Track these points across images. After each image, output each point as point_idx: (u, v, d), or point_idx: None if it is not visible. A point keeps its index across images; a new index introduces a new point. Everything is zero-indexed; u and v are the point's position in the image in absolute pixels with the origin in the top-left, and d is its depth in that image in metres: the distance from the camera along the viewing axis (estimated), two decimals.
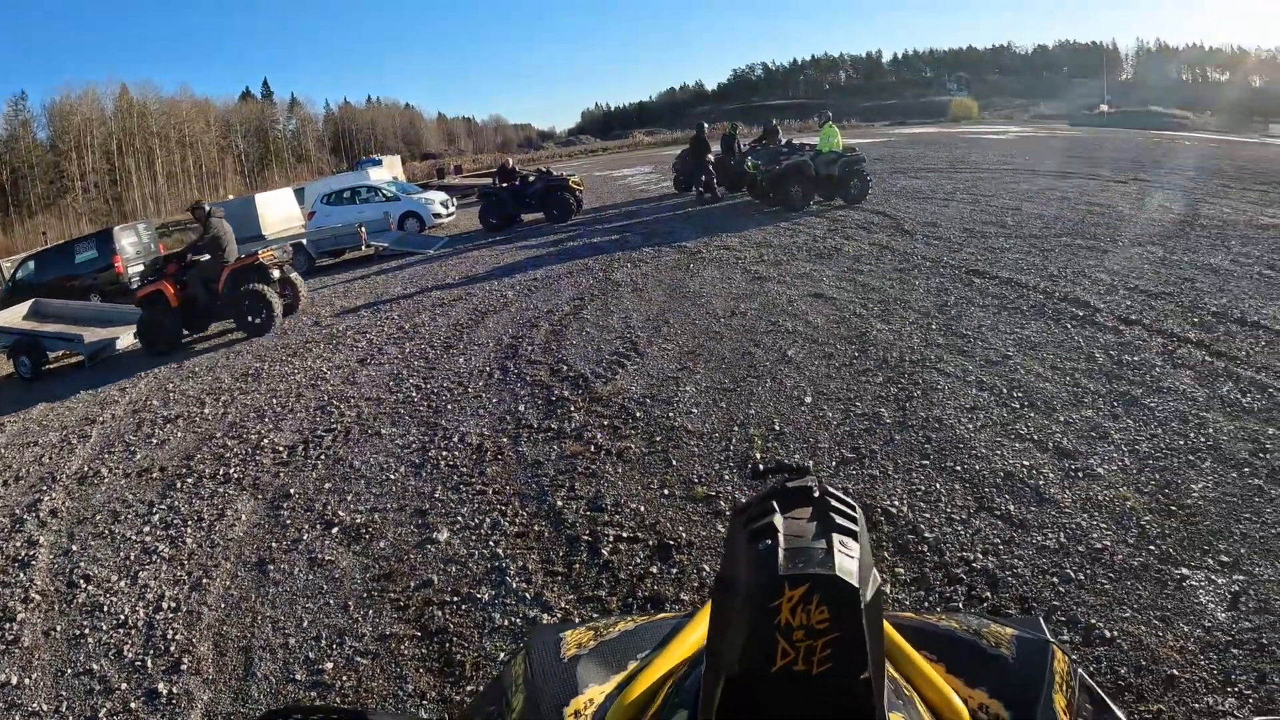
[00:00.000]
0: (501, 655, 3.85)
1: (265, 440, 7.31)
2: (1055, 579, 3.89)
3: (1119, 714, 1.40)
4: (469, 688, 3.69)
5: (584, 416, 6.79)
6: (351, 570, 4.89)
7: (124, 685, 4.14)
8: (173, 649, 4.38)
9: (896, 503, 4.77)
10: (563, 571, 4.55)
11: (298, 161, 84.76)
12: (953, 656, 1.52)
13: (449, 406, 7.50)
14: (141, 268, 18.09)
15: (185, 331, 12.31)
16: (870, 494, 4.91)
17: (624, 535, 4.83)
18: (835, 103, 68.79)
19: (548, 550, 4.80)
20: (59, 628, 4.78)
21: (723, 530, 4.62)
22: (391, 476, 6.17)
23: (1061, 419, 5.66)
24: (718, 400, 6.73)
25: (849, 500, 1.12)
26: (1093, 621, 3.54)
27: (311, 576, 4.90)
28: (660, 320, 9.44)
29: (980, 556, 4.15)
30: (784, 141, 20.64)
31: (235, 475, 6.65)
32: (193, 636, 4.47)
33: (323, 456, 6.76)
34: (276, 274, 12.50)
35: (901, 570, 4.13)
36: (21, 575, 5.52)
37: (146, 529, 5.94)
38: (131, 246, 19.26)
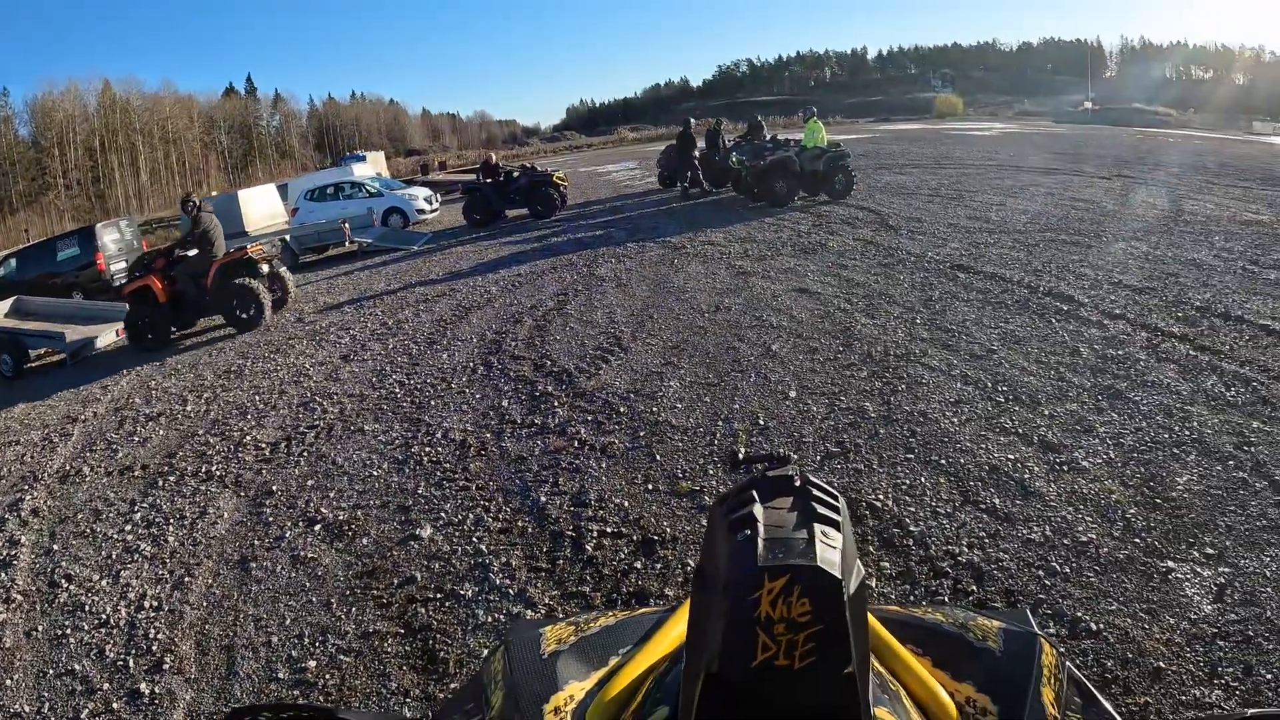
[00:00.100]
0: (484, 651, 3.83)
1: (248, 437, 7.26)
2: (1041, 572, 3.89)
3: (1107, 707, 1.38)
4: (452, 685, 3.66)
5: (568, 412, 6.76)
6: (334, 568, 4.86)
7: (106, 685, 4.09)
8: (155, 648, 4.33)
9: (881, 497, 4.77)
10: (546, 567, 4.53)
11: (281, 158, 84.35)
12: (939, 650, 1.51)
13: (432, 402, 7.46)
14: (124, 265, 18.00)
15: (173, 328, 12.20)
16: (855, 488, 4.90)
17: (608, 530, 4.81)
18: (820, 99, 69.13)
19: (531, 546, 4.78)
20: (41, 628, 4.73)
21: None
22: (374, 473, 6.13)
23: (1046, 413, 5.66)
24: (702, 395, 6.72)
25: (831, 490, 1.09)
26: (1079, 614, 3.54)
27: (294, 574, 4.86)
28: (644, 315, 9.42)
29: (966, 550, 4.14)
30: (769, 137, 20.65)
31: (217, 473, 6.60)
32: (175, 636, 4.42)
33: (305, 453, 6.71)
34: (265, 269, 12.41)
35: (887, 564, 4.12)
36: (3, 575, 5.46)
37: (128, 527, 5.88)
38: (114, 243, 19.13)
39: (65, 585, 5.17)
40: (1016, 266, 9.87)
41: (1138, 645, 3.31)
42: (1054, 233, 11.83)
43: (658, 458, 5.69)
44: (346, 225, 18.63)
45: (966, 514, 4.49)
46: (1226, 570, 3.73)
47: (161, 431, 7.87)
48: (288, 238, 18.60)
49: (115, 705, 3.93)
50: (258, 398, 8.43)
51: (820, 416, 6.04)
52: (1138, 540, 4.05)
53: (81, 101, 71.02)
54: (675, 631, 1.49)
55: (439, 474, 5.95)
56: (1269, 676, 3.06)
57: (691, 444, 5.84)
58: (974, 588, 3.84)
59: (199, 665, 4.14)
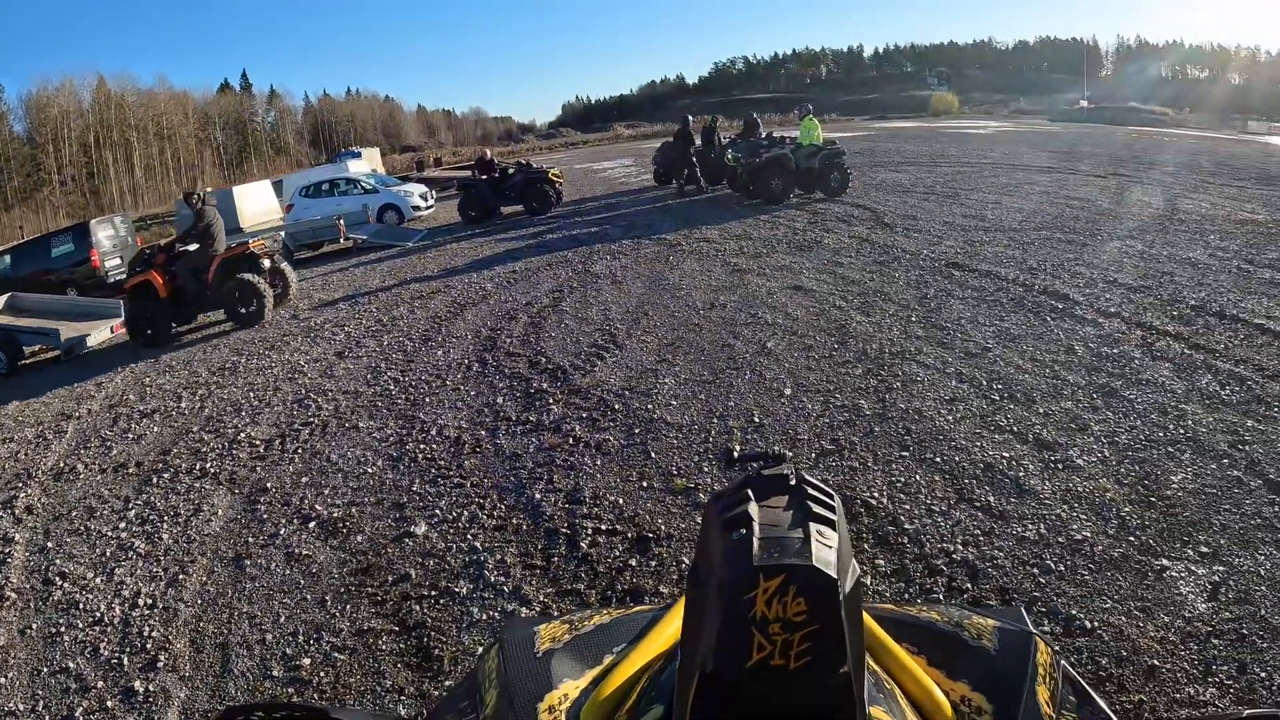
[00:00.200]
0: (478, 649, 3.82)
1: (242, 434, 7.24)
2: (1036, 570, 3.89)
3: (1101, 705, 1.38)
4: (447, 682, 3.66)
5: (562, 409, 6.76)
6: (329, 565, 4.85)
7: (100, 683, 4.08)
8: (149, 646, 4.32)
9: (876, 494, 4.77)
10: (541, 565, 4.53)
11: (276, 154, 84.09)
12: (934, 649, 1.51)
13: (427, 399, 7.45)
14: (118, 261, 17.93)
15: (173, 323, 12.12)
16: (850, 485, 4.91)
17: (602, 528, 4.81)
18: (816, 96, 69.16)
19: (526, 543, 4.78)
20: (35, 626, 4.72)
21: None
22: (369, 470, 6.12)
23: (1041, 410, 5.67)
24: (697, 392, 6.72)
25: (827, 489, 1.09)
26: (1073, 612, 3.54)
27: (289, 571, 4.85)
28: (639, 312, 9.41)
29: (960, 548, 4.15)
30: (764, 135, 20.65)
31: (212, 470, 6.58)
32: (169, 633, 4.41)
33: (300, 450, 6.70)
34: (267, 264, 12.36)
35: (882, 562, 4.12)
36: None
37: (123, 525, 5.87)
38: (108, 240, 19.02)
39: (59, 583, 5.16)
40: (1012, 265, 9.88)
41: (1132, 643, 3.31)
42: (1049, 231, 11.84)
43: (653, 455, 5.69)
44: (341, 222, 18.59)
45: (961, 512, 4.49)
46: (1221, 569, 3.74)
47: (156, 428, 7.86)
48: (281, 234, 18.57)
49: (110, 703, 3.92)
50: (252, 394, 8.42)
51: (815, 414, 6.04)
52: (1132, 538, 4.06)
53: (76, 97, 70.74)
54: (670, 630, 1.49)
55: (434, 471, 5.95)
56: (1263, 675, 3.07)
57: (686, 441, 5.84)
58: (969, 586, 3.84)
59: (193, 663, 4.13)
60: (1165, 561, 3.84)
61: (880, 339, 7.48)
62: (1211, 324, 7.10)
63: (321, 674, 3.88)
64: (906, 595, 3.85)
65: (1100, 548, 4.01)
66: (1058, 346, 6.87)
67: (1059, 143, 29.15)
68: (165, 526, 5.72)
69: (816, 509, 1.03)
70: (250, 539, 5.35)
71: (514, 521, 5.05)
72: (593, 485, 5.37)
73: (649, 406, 6.53)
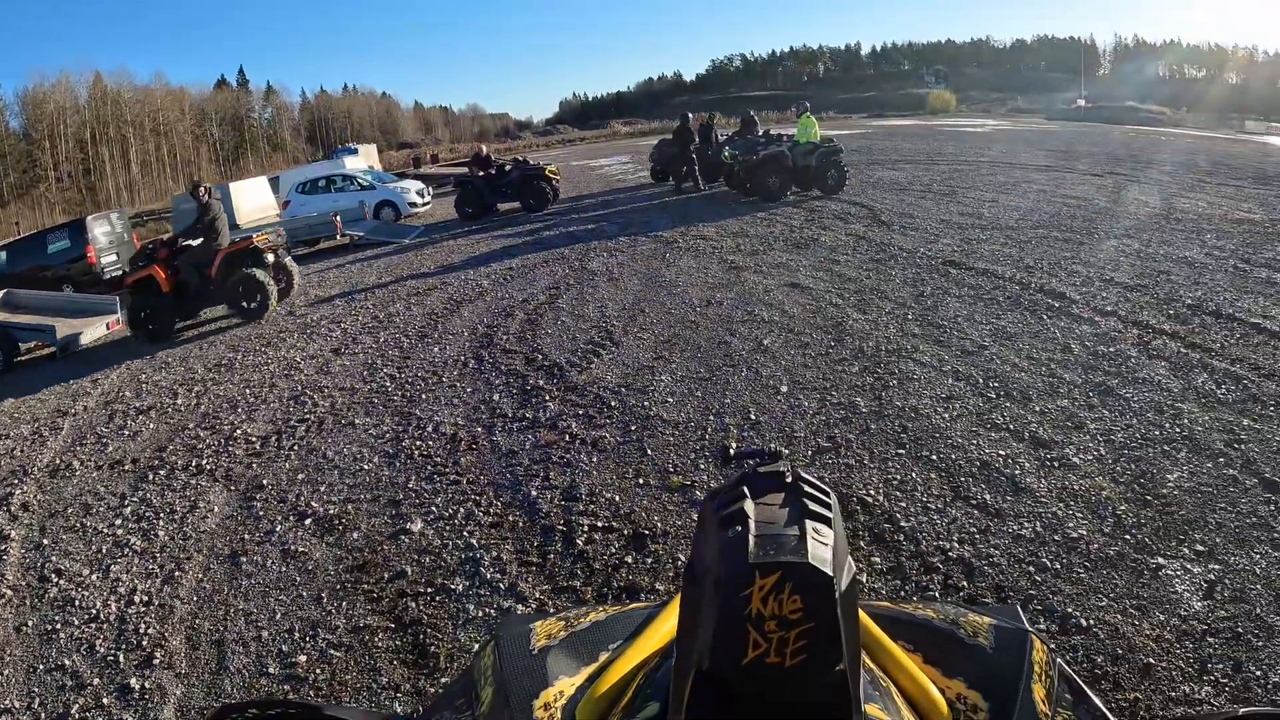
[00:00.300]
0: (474, 646, 3.82)
1: (238, 431, 7.23)
2: (1031, 568, 3.90)
3: (1097, 703, 1.38)
4: (443, 679, 3.66)
5: (559, 406, 6.76)
6: (325, 562, 4.84)
7: (96, 681, 4.07)
8: (145, 643, 4.31)
9: (872, 492, 4.77)
10: (537, 562, 4.52)
11: (273, 150, 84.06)
12: (930, 646, 1.51)
13: (423, 396, 7.44)
14: (115, 258, 17.88)
15: (176, 319, 12.06)
16: (846, 483, 4.91)
17: (599, 525, 4.81)
18: (813, 94, 69.20)
19: (522, 540, 4.77)
20: (30, 623, 4.70)
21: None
22: (365, 467, 6.12)
23: (1037, 409, 5.68)
24: (693, 389, 6.72)
25: (823, 486, 1.09)
26: (1069, 610, 3.55)
27: (284, 568, 4.85)
28: (636, 309, 9.41)
29: (956, 545, 4.15)
30: (761, 132, 20.64)
31: (208, 466, 6.57)
32: (165, 630, 4.41)
33: (296, 447, 6.69)
34: (271, 258, 12.31)
35: (878, 559, 4.13)
36: None
37: (118, 522, 5.86)
38: (104, 236, 18.95)
39: (55, 580, 5.14)
40: (1008, 263, 9.89)
41: (1128, 641, 3.32)
42: (1046, 229, 11.86)
43: (649, 452, 5.69)
44: (338, 218, 18.56)
45: (957, 509, 4.50)
46: (1216, 567, 3.74)
47: (152, 425, 7.84)
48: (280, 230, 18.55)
49: (105, 700, 3.91)
50: (248, 391, 8.40)
51: (812, 411, 6.04)
52: (1128, 537, 4.06)
53: (72, 93, 70.62)
54: (666, 627, 1.49)
55: (430, 468, 5.94)
56: (1258, 673, 3.07)
57: (683, 438, 5.84)
58: (965, 583, 3.85)
59: (189, 660, 4.13)
60: (1161, 560, 3.85)
61: (877, 337, 7.48)
62: (1208, 323, 7.12)
63: (317, 671, 3.87)
64: (902, 593, 3.85)
65: (1096, 546, 4.01)
66: (1054, 345, 6.88)
67: (1056, 141, 29.17)
68: (161, 523, 5.71)
69: (812, 506, 1.03)
70: (246, 536, 5.34)
71: (510, 518, 5.05)
72: (589, 482, 5.37)
73: (645, 403, 6.52)
